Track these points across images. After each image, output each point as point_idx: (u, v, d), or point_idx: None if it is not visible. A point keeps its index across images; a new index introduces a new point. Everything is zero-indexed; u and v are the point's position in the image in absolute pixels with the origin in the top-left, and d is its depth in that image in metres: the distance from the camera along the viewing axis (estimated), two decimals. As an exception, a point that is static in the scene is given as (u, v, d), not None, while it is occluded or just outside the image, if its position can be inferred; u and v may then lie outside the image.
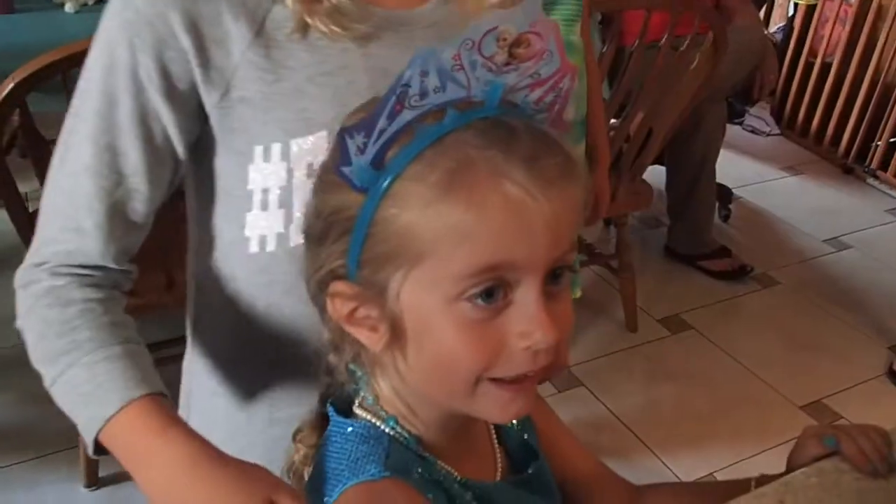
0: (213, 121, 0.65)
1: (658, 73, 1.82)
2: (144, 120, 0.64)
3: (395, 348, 0.53)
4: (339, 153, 0.49)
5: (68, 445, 1.69)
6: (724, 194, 2.82)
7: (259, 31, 0.63)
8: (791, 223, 2.86)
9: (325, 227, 0.52)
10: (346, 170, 0.48)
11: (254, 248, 0.68)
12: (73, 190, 0.65)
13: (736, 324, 2.32)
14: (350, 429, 0.57)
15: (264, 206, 0.66)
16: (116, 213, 0.66)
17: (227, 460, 0.58)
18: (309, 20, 0.62)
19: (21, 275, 0.68)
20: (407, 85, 0.46)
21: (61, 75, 1.22)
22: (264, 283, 0.70)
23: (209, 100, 0.64)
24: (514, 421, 0.66)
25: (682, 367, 2.13)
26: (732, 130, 3.50)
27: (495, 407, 0.53)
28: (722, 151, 3.34)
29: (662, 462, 1.81)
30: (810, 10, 3.33)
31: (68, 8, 2.06)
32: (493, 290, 0.49)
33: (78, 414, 0.63)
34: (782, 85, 3.53)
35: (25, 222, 1.36)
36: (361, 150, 0.47)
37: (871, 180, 3.15)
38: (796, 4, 3.41)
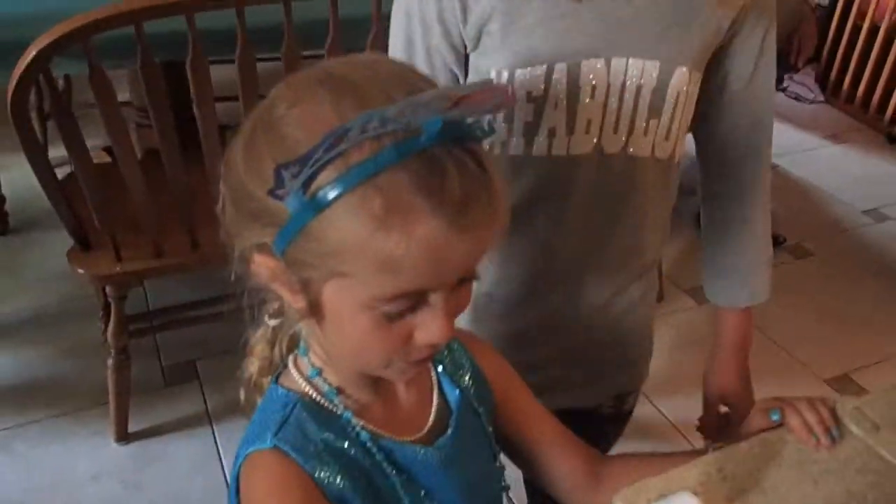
0: (469, 49, 0.83)
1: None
2: (430, 53, 0.83)
3: (312, 319, 0.57)
4: (274, 181, 0.51)
5: (101, 402, 1.76)
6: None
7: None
8: (830, 193, 2.79)
9: (258, 210, 0.54)
10: (280, 192, 0.50)
11: None
12: None
13: (763, 294, 2.29)
14: (277, 392, 0.63)
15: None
16: None
17: None
18: None
19: None
20: (348, 129, 0.48)
21: (83, 42, 1.25)
22: None
23: (469, 35, 0.81)
24: (467, 378, 0.71)
25: (707, 337, 2.10)
26: (777, 98, 3.42)
27: (396, 375, 0.62)
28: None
29: (680, 431, 1.81)
30: (859, -28, 3.21)
31: (102, -28, 2.10)
32: (410, 306, 0.54)
33: None
34: (828, 50, 3.42)
35: (53, 185, 1.41)
36: (295, 176, 0.49)
37: (917, 150, 3.06)
38: (846, -34, 3.28)
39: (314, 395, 0.62)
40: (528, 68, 0.78)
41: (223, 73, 1.56)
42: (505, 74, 0.79)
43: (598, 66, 0.78)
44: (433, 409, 0.68)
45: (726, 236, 0.97)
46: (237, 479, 0.62)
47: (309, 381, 0.63)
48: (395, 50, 0.85)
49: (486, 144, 0.75)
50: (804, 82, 3.52)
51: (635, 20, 0.78)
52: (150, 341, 1.94)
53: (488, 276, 0.91)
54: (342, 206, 0.49)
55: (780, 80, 3.17)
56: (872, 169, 2.97)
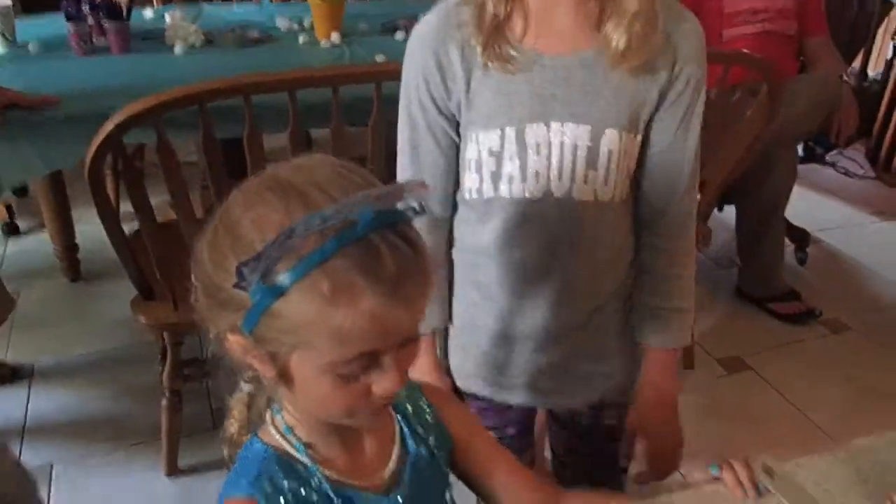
0: (458, 118, 1.02)
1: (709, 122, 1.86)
2: (430, 126, 1.03)
3: (284, 385, 0.68)
4: (237, 277, 0.61)
5: (153, 437, 1.90)
6: (801, 237, 2.79)
7: (468, 68, 0.97)
8: (873, 269, 2.79)
9: (226, 299, 0.64)
10: (243, 284, 0.61)
11: (466, 195, 1.06)
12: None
13: (796, 366, 2.30)
14: (255, 445, 0.73)
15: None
16: None
17: None
18: (490, 65, 0.95)
19: None
20: (293, 229, 0.59)
21: (153, 118, 1.42)
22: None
23: (453, 108, 1.01)
24: (428, 424, 0.81)
25: (733, 405, 2.14)
26: (824, 172, 3.45)
27: (362, 424, 0.73)
28: (809, 193, 3.31)
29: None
30: (909, 51, 3.25)
31: (177, 50, 2.32)
32: (364, 368, 0.65)
33: None
34: (879, 126, 3.44)
35: (121, 241, 1.57)
36: (254, 271, 0.60)
37: (968, 230, 3.03)
38: (895, 46, 3.32)
39: (287, 448, 0.72)
40: (488, 131, 0.99)
41: (275, 143, 1.73)
42: (474, 136, 1.00)
43: (539, 128, 0.97)
44: (393, 459, 0.77)
45: (653, 283, 1.08)
46: None
47: (283, 435, 0.73)
48: (403, 126, 1.06)
49: (468, 190, 1.01)
50: (854, 158, 3.54)
51: (566, 92, 0.95)
52: (202, 385, 2.07)
53: (471, 297, 1.11)
54: (296, 290, 0.60)
55: (821, 158, 3.19)
56: (919, 247, 2.96)
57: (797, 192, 3.30)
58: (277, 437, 0.73)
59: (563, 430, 1.25)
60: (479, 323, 1.12)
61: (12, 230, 2.86)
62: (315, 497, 0.71)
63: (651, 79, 0.95)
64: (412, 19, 2.55)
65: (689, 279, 1.08)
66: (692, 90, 0.98)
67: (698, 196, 1.11)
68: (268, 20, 2.65)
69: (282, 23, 2.61)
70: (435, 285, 0.66)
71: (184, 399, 1.82)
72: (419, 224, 0.86)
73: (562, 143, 0.97)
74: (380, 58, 2.23)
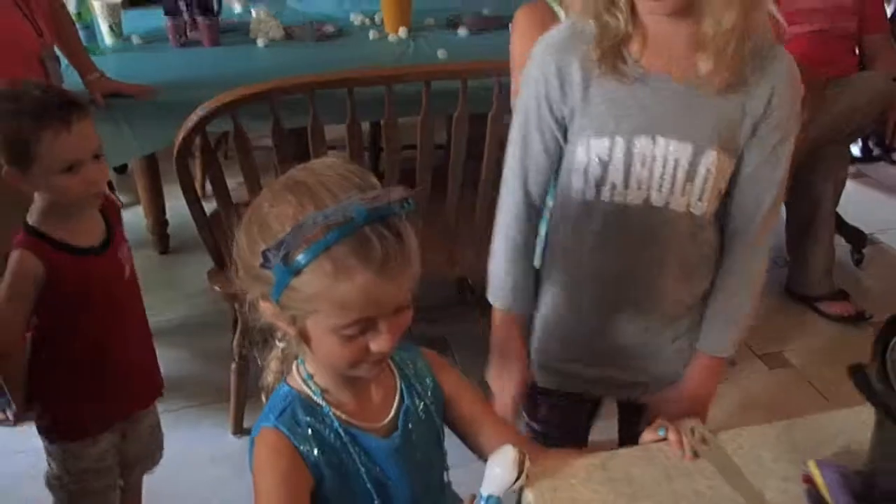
0: (567, 122, 1.12)
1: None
2: (541, 126, 1.13)
3: (304, 343, 0.85)
4: (263, 259, 0.78)
5: (224, 399, 2.10)
6: (857, 237, 2.79)
7: (586, 77, 1.07)
8: (935, 276, 2.77)
9: (257, 274, 0.81)
10: (268, 265, 0.78)
11: (570, 194, 1.16)
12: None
13: (838, 367, 2.31)
14: (283, 388, 0.91)
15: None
16: None
17: None
18: (606, 77, 1.06)
19: None
20: (303, 223, 0.76)
21: (231, 111, 1.61)
22: None
23: (566, 113, 1.12)
24: (426, 383, 0.97)
25: (771, 401, 2.20)
26: (889, 171, 3.40)
27: (364, 374, 0.87)
28: (873, 192, 3.28)
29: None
30: None
31: (260, 43, 2.53)
32: (362, 330, 0.81)
33: None
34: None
35: (202, 220, 1.78)
36: (276, 256, 0.77)
37: None
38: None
39: (307, 391, 0.90)
40: (598, 139, 1.08)
41: (335, 132, 1.91)
42: (585, 142, 1.09)
43: (647, 141, 1.06)
44: (393, 408, 0.94)
45: (722, 295, 1.18)
46: (252, 443, 0.89)
47: (305, 381, 0.90)
48: (516, 120, 1.17)
49: (573, 190, 1.14)
50: (926, 158, 3.47)
51: (674, 111, 1.05)
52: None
53: (559, 291, 1.22)
54: (308, 270, 0.77)
55: (876, 158, 3.15)
56: None
57: (858, 190, 3.30)
58: (300, 382, 0.91)
59: (632, 417, 1.36)
60: (564, 317, 1.22)
61: (111, 204, 3.14)
62: (327, 432, 0.88)
63: (746, 110, 1.05)
64: (476, 15, 2.73)
65: (755, 297, 1.17)
66: (783, 125, 1.07)
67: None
68: (343, 15, 2.84)
69: (355, 18, 2.79)
70: (417, 267, 0.82)
71: (251, 364, 1.99)
72: (514, 213, 1.11)
73: (665, 157, 1.06)
74: (441, 53, 2.39)
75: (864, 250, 2.80)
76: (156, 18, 2.58)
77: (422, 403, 0.95)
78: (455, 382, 1.00)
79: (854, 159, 2.87)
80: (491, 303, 1.24)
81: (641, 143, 1.06)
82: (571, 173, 1.14)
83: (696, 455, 0.90)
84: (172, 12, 2.48)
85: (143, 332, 1.52)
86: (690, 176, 1.07)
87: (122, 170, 3.20)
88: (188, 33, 2.54)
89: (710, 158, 1.06)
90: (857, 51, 2.60)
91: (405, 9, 2.61)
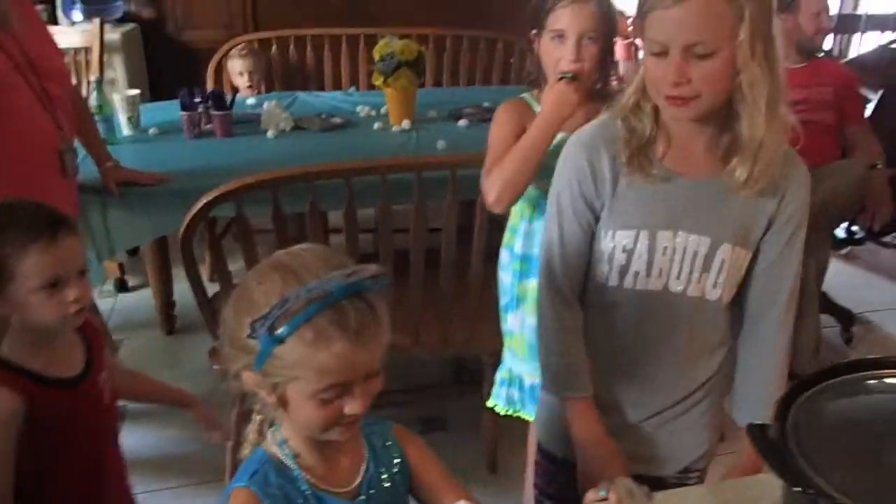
0: (598, 212, 1.22)
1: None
2: (576, 214, 1.22)
3: (281, 409, 0.93)
4: (250, 329, 0.87)
5: (220, 478, 2.12)
6: (846, 317, 2.85)
7: (615, 175, 1.17)
8: (924, 354, 2.80)
9: (243, 345, 0.90)
10: (253, 335, 0.87)
11: (596, 281, 1.26)
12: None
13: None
14: (258, 452, 0.98)
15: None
16: None
17: None
18: (633, 176, 1.16)
19: None
20: (288, 298, 0.86)
21: (235, 199, 1.73)
22: None
23: (598, 205, 1.21)
24: (392, 457, 1.03)
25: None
26: (881, 253, 3.48)
27: (336, 437, 0.94)
28: (866, 275, 3.36)
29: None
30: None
31: (270, 134, 2.68)
32: (338, 394, 0.89)
33: None
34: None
35: (204, 301, 1.88)
36: (262, 326, 0.86)
37: None
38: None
39: (280, 455, 0.97)
40: (625, 231, 1.18)
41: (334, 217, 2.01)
42: (611, 233, 1.20)
43: (669, 235, 1.17)
44: (360, 475, 1.00)
45: (745, 372, 1.27)
46: (226, 499, 0.96)
47: (279, 446, 0.97)
48: (552, 212, 1.26)
49: (599, 277, 1.24)
50: (916, 241, 3.55)
51: (695, 209, 1.16)
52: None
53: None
54: (290, 339, 0.86)
55: (862, 242, 3.21)
56: (976, 332, 2.95)
57: (848, 271, 3.38)
58: (274, 447, 0.98)
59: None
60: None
61: (123, 286, 3.26)
62: (296, 494, 0.95)
63: (763, 209, 1.16)
64: (478, 107, 2.89)
65: (783, 371, 1.26)
66: (795, 218, 1.19)
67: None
68: (351, 107, 3.01)
69: (362, 110, 2.96)
70: (388, 336, 0.91)
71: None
72: (562, 303, 1.23)
73: (685, 249, 1.16)
74: (440, 144, 2.53)
75: (853, 329, 2.86)
76: (173, 111, 2.74)
77: (387, 474, 1.02)
78: (420, 455, 1.07)
79: (839, 242, 2.96)
80: (558, 394, 1.29)
81: (664, 236, 1.17)
82: (595, 261, 1.23)
83: None
84: (188, 106, 2.65)
85: (120, 466, 1.45)
86: (707, 266, 1.17)
87: (133, 252, 3.33)
88: (202, 125, 2.70)
89: (725, 251, 1.16)
90: (838, 142, 2.74)
91: (409, 102, 2.77)
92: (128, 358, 2.74)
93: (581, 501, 1.06)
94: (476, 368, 2.41)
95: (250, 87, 3.36)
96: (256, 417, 1.01)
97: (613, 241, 1.19)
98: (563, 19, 1.47)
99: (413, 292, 2.00)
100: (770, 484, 0.93)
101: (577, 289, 1.28)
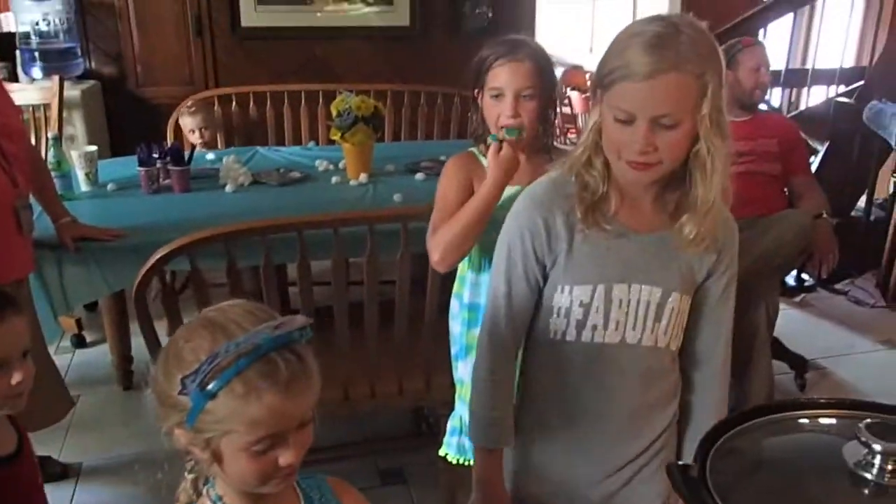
0: (548, 269, 1.24)
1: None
2: (526, 272, 1.24)
3: (215, 464, 0.93)
4: (181, 386, 0.89)
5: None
6: (799, 363, 2.91)
7: (570, 232, 1.20)
8: (874, 397, 2.85)
9: (174, 403, 0.91)
10: (184, 392, 0.89)
11: (549, 336, 1.28)
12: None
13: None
14: None
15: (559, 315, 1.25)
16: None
17: None
18: (587, 232, 1.19)
19: None
20: (217, 353, 0.88)
21: (188, 253, 1.75)
22: None
23: (549, 262, 1.23)
24: None
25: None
26: (834, 301, 3.58)
27: (272, 489, 0.95)
28: (818, 321, 3.44)
29: None
30: (909, 187, 3.44)
31: (228, 188, 2.71)
32: (271, 446, 0.90)
33: None
34: (887, 256, 3.58)
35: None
36: (193, 381, 0.88)
37: (973, 359, 3.09)
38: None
39: None
40: (581, 286, 1.21)
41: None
42: (568, 288, 1.22)
43: (624, 288, 1.21)
44: None
45: (688, 418, 1.33)
46: None
47: (213, 502, 0.98)
48: (500, 268, 1.27)
49: (553, 332, 1.26)
50: (865, 287, 3.66)
51: (646, 262, 1.21)
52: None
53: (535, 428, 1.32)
54: (222, 394, 0.88)
55: (811, 290, 3.31)
56: (925, 376, 3.03)
57: (802, 318, 3.46)
58: (208, 501, 0.99)
59: None
60: (543, 453, 1.32)
61: (80, 342, 3.22)
62: None
63: (705, 260, 1.23)
64: (435, 160, 2.95)
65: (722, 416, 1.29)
66: (731, 267, 1.26)
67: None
68: (310, 161, 3.06)
69: (320, 164, 3.00)
70: (318, 386, 0.93)
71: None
72: (500, 355, 1.25)
73: (639, 301, 1.21)
74: (397, 197, 2.57)
75: (807, 375, 2.91)
76: (131, 167, 2.75)
77: None
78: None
79: (791, 289, 3.04)
80: (475, 442, 1.34)
81: (620, 289, 1.21)
82: (548, 317, 1.25)
83: None
84: (145, 162, 2.66)
85: None
86: (658, 315, 1.22)
87: (92, 307, 3.30)
88: (160, 181, 2.72)
89: (675, 300, 1.23)
90: (783, 192, 2.84)
91: (366, 156, 2.82)
92: (85, 413, 2.70)
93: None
94: (434, 419, 2.42)
95: (204, 142, 3.40)
96: (189, 476, 1.01)
97: (571, 296, 1.22)
98: (500, 77, 1.52)
99: (369, 344, 2.01)
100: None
101: (518, 344, 1.31)
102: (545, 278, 1.25)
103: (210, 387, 0.87)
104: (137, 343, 2.82)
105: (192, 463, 0.99)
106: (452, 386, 2.07)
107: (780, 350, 2.88)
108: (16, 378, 1.19)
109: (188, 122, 3.41)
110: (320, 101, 3.49)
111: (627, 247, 1.20)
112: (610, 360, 1.24)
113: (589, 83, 3.17)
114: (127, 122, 3.87)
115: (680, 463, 0.78)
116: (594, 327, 1.22)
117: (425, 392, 2.13)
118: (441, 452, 1.82)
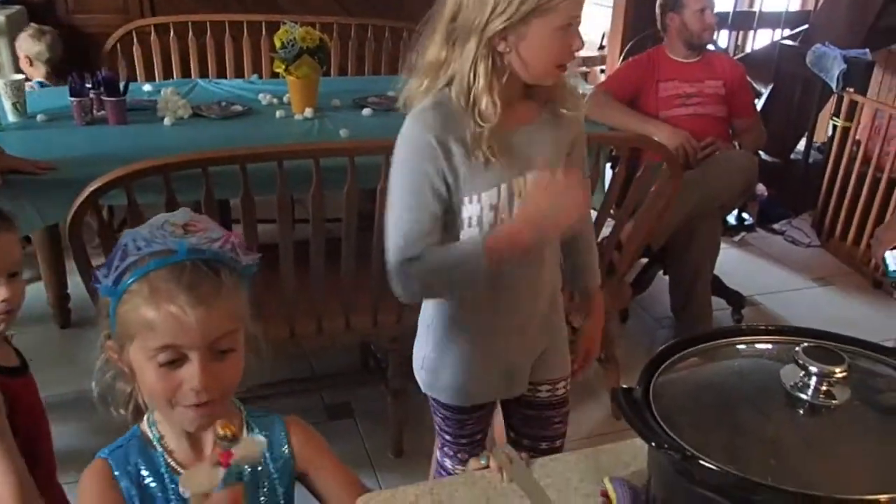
0: (451, 185, 1.27)
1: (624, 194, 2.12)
2: (435, 192, 1.26)
3: (134, 381, 0.92)
4: (93, 277, 0.89)
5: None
6: (737, 300, 3.00)
7: (465, 148, 1.24)
8: (805, 331, 2.98)
9: (101, 306, 0.91)
10: (98, 286, 0.88)
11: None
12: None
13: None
14: (133, 429, 0.98)
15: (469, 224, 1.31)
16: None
17: None
18: (476, 149, 1.24)
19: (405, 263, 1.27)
20: (125, 245, 0.87)
21: (124, 185, 1.68)
22: None
23: (451, 179, 1.27)
24: (279, 453, 1.02)
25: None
26: (772, 240, 3.68)
27: (186, 422, 0.92)
28: (756, 259, 3.53)
29: None
30: (845, 131, 3.52)
31: (167, 122, 2.61)
32: (173, 359, 0.88)
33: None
34: (823, 198, 3.68)
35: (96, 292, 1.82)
36: (106, 276, 0.87)
37: (897, 295, 3.23)
38: (835, 126, 3.59)
39: (149, 434, 0.97)
40: (487, 192, 1.27)
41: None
42: (475, 197, 1.27)
43: (520, 181, 1.29)
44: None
45: (585, 262, 1.55)
46: None
47: (149, 426, 0.97)
48: (405, 191, 1.26)
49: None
50: (801, 227, 3.77)
51: (531, 150, 1.30)
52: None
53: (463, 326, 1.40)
54: (129, 293, 0.87)
55: (751, 229, 3.39)
56: (852, 311, 3.15)
57: (742, 257, 3.56)
58: (145, 425, 0.98)
59: (524, 409, 1.53)
60: (465, 348, 1.40)
61: (14, 279, 3.11)
62: (152, 476, 0.95)
63: (568, 136, 1.37)
64: (381, 96, 2.89)
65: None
66: (582, 144, 1.43)
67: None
68: (252, 95, 2.96)
69: (264, 98, 2.91)
70: (232, 306, 0.90)
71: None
72: (424, 248, 1.24)
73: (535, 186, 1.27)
74: (343, 132, 2.52)
75: (744, 311, 3.01)
76: (62, 98, 2.63)
77: (260, 469, 1.00)
78: (314, 456, 1.05)
79: (732, 229, 3.11)
80: (486, 259, 1.25)
81: (517, 183, 1.29)
82: (461, 229, 1.30)
83: (511, 480, 1.00)
84: (78, 93, 2.55)
85: (53, 462, 1.49)
86: None
87: (24, 243, 3.18)
88: (94, 112, 2.60)
89: (556, 175, 1.28)
90: (728, 133, 2.88)
91: (311, 90, 2.74)
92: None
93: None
94: (382, 355, 2.43)
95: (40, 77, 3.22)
96: (125, 388, 0.98)
97: (480, 203, 1.27)
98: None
99: (314, 281, 1.99)
100: (640, 448, 0.99)
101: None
102: (448, 196, 1.28)
103: (121, 284, 0.86)
104: (75, 280, 2.76)
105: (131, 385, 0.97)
106: (399, 321, 2.07)
107: (719, 287, 2.96)
108: (1, 294, 1.21)
109: (25, 48, 3.22)
110: (263, 32, 3.37)
111: (514, 143, 1.27)
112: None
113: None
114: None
115: (624, 387, 0.79)
116: (502, 221, 1.28)
117: (372, 328, 2.12)
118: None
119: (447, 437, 1.51)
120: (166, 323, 0.86)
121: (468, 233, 1.29)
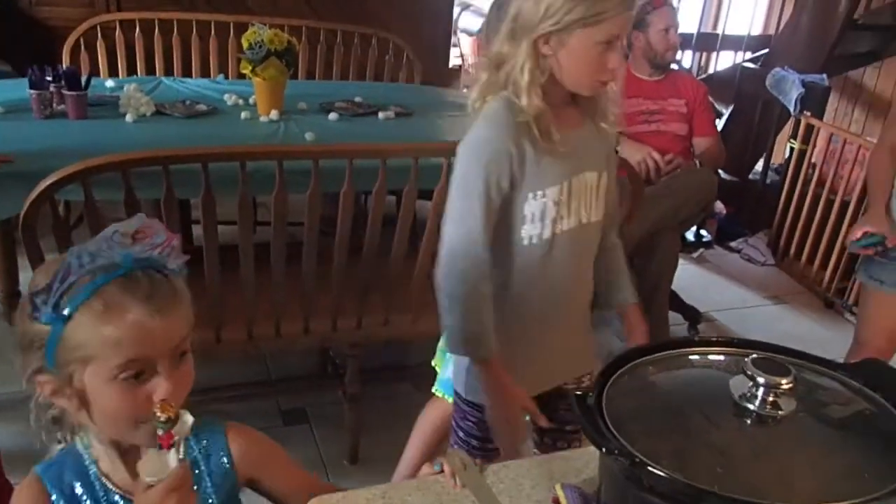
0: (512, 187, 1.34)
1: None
2: (502, 197, 1.33)
3: (84, 409, 0.87)
4: (31, 306, 0.83)
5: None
6: (693, 316, 3.05)
7: (534, 147, 1.31)
8: (758, 348, 3.04)
9: (31, 338, 0.85)
10: (37, 314, 0.83)
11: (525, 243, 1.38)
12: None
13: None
14: (71, 446, 0.94)
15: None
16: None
17: None
18: (546, 147, 1.31)
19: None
20: (69, 263, 0.82)
21: (81, 181, 1.65)
22: None
23: (517, 177, 1.33)
24: (218, 462, 1.00)
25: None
26: (728, 258, 3.75)
27: (147, 439, 0.87)
28: (713, 276, 3.60)
29: None
30: (802, 153, 3.61)
31: (128, 118, 2.57)
32: (138, 372, 0.84)
33: None
34: (778, 218, 3.77)
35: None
36: (45, 303, 0.81)
37: (848, 315, 3.31)
38: (792, 149, 3.68)
39: (83, 455, 0.93)
40: (552, 187, 1.34)
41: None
42: (539, 193, 1.33)
43: (579, 178, 1.37)
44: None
45: (613, 261, 1.56)
46: None
47: (84, 448, 0.94)
48: (469, 187, 1.32)
49: (528, 238, 1.37)
50: (757, 246, 3.84)
51: (584, 151, 1.38)
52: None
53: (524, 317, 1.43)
54: (78, 314, 0.81)
55: (709, 246, 3.45)
56: (804, 329, 3.23)
57: (700, 274, 3.62)
58: (80, 447, 0.94)
59: (555, 402, 1.54)
60: (523, 342, 1.43)
61: (-37, 275, 3.03)
62: (86, 493, 0.93)
63: (605, 149, 1.45)
64: (348, 101, 2.88)
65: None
66: (614, 159, 1.51)
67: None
68: (218, 95, 2.92)
69: (229, 98, 2.88)
70: (187, 312, 0.88)
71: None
72: (481, 271, 1.32)
73: (586, 185, 1.38)
74: (308, 135, 2.51)
75: (699, 326, 3.06)
76: (21, 90, 2.57)
77: (199, 484, 0.98)
78: (261, 461, 1.03)
79: (690, 245, 3.16)
80: (477, 357, 1.37)
81: (576, 180, 1.37)
82: (523, 225, 1.35)
83: (463, 485, 1.00)
84: (38, 86, 2.49)
85: None
86: (599, 194, 1.42)
87: (-23, 240, 3.10)
88: (54, 106, 2.55)
89: (604, 178, 1.43)
90: (689, 151, 2.94)
91: (278, 92, 2.72)
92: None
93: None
94: (341, 360, 2.41)
95: None
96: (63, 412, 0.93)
97: (545, 199, 1.34)
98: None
99: (274, 285, 1.98)
100: (592, 455, 1.00)
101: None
102: (511, 192, 1.33)
103: (65, 309, 0.81)
104: (27, 277, 2.69)
105: (59, 411, 0.92)
106: (359, 327, 2.07)
107: (676, 302, 3.01)
108: None
109: None
110: (231, 33, 3.34)
111: (569, 144, 1.33)
112: (581, 240, 1.40)
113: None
114: (19, 44, 3.60)
115: (578, 393, 0.80)
116: (562, 217, 1.36)
117: (331, 332, 2.11)
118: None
119: (474, 443, 1.50)
120: (130, 336, 0.82)
121: (528, 230, 1.35)
